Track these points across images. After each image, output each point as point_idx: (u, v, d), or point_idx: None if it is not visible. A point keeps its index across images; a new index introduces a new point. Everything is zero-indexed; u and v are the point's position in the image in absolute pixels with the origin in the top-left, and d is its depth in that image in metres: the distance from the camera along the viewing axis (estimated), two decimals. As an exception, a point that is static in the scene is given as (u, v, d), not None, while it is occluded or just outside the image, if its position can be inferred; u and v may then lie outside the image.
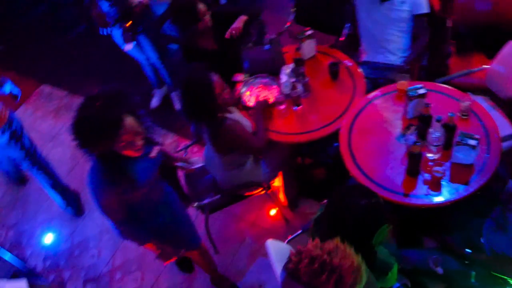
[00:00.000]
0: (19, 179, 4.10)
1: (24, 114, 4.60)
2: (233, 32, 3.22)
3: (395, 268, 2.11)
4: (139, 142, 2.09)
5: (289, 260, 1.37)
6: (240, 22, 3.24)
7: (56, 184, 3.62)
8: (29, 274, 3.26)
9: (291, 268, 1.36)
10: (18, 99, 3.35)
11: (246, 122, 2.85)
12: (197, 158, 2.61)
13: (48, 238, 3.72)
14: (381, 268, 2.04)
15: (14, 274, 3.18)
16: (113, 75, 4.75)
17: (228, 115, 2.71)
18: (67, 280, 3.46)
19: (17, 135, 3.24)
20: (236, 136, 2.70)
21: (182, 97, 2.68)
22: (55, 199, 3.72)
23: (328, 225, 2.03)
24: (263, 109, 2.98)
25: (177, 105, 4.32)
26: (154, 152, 2.30)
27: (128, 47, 3.73)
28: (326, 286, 1.32)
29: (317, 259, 1.33)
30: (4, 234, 3.80)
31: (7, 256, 3.22)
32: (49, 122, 4.50)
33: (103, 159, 2.11)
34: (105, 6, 3.61)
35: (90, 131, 1.98)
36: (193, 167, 2.60)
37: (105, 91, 2.05)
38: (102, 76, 4.79)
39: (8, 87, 3.22)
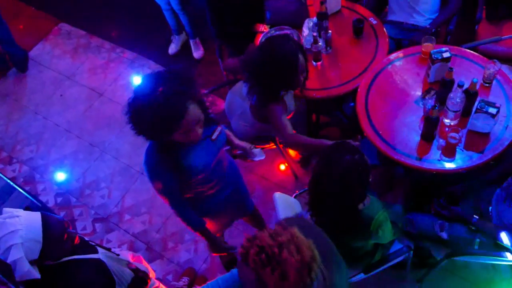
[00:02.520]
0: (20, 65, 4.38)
1: (42, 51, 4.59)
2: None
3: (388, 225, 2.13)
4: (199, 130, 1.94)
5: (242, 245, 1.36)
6: None
7: None
8: (41, 209, 3.34)
9: (241, 253, 1.35)
10: None
11: (292, 104, 2.76)
12: (259, 150, 2.44)
13: (61, 176, 3.78)
14: (369, 225, 2.07)
15: (26, 208, 3.24)
16: (133, 19, 4.69)
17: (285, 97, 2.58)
18: (77, 217, 3.54)
19: None
20: (272, 120, 2.55)
21: (258, 59, 2.45)
22: None
23: (316, 181, 2.05)
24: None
25: (196, 54, 4.27)
26: (215, 135, 2.14)
27: None
28: (270, 277, 1.31)
29: (266, 249, 1.31)
30: (17, 169, 3.87)
31: (20, 191, 3.27)
32: (67, 61, 4.48)
33: (158, 145, 1.99)
34: None
35: (150, 119, 1.79)
36: (254, 159, 2.46)
37: (167, 75, 1.86)
38: (122, 19, 4.73)
39: None
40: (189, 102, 1.84)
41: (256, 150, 2.41)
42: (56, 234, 1.94)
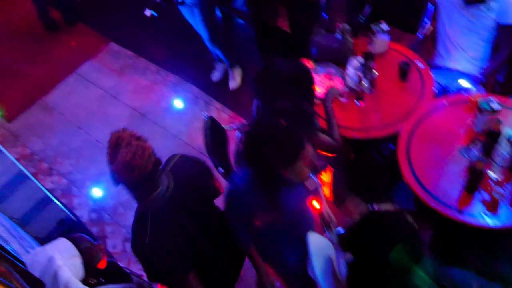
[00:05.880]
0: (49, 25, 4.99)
1: (91, 69, 4.75)
2: None
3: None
4: (308, 173, 1.93)
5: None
6: None
7: None
8: (75, 223, 3.38)
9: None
10: None
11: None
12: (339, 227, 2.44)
13: (97, 192, 3.85)
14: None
15: (60, 221, 3.30)
16: (179, 43, 4.79)
17: None
18: (108, 235, 3.58)
19: None
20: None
21: (276, 84, 2.37)
22: None
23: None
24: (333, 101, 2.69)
25: (231, 84, 4.31)
26: (312, 184, 2.12)
27: (147, 12, 3.69)
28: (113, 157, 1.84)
29: (120, 138, 1.88)
30: (56, 181, 3.97)
31: (57, 203, 3.33)
32: (113, 80, 4.61)
33: (261, 177, 1.95)
34: None
35: (266, 152, 1.80)
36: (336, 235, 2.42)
37: (291, 108, 1.90)
38: (169, 42, 4.85)
39: None
40: (306, 141, 1.82)
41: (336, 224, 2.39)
42: (87, 244, 1.96)
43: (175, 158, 2.18)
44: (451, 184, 2.53)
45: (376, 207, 2.19)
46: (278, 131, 1.78)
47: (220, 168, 2.88)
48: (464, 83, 3.07)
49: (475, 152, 2.49)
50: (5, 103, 4.46)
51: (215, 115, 4.03)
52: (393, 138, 2.84)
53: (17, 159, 3.57)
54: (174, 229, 2.00)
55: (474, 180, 2.41)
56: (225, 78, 4.39)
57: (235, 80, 4.32)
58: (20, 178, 3.07)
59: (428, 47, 3.41)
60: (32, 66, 4.82)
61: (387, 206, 2.24)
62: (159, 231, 1.95)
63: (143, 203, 1.98)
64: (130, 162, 1.78)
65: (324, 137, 2.55)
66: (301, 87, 2.38)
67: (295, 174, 1.88)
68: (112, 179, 1.89)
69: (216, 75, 4.40)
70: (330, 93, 2.65)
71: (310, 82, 2.40)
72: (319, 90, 2.99)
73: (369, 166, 3.63)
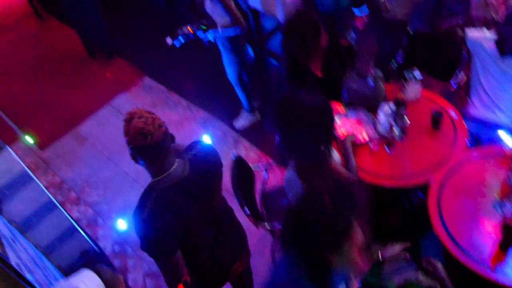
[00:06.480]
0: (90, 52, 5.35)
1: (124, 101, 4.86)
2: None
3: None
4: (356, 259, 1.78)
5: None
6: None
7: None
8: (98, 254, 3.40)
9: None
10: None
11: (337, 155, 2.75)
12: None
13: (122, 224, 3.87)
14: None
15: (84, 252, 3.32)
16: (212, 80, 4.88)
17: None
18: (130, 268, 3.57)
19: None
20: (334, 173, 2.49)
21: (296, 114, 2.34)
22: None
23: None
24: (351, 144, 2.78)
25: (238, 123, 4.37)
26: (357, 274, 2.04)
27: (168, 40, 3.77)
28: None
29: (133, 113, 2.05)
30: (83, 210, 4.01)
31: (81, 233, 3.36)
32: (145, 114, 4.70)
33: (307, 264, 1.81)
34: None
35: (314, 233, 1.69)
36: None
37: (337, 187, 1.86)
38: (201, 79, 4.95)
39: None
40: (355, 221, 1.73)
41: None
42: (110, 275, 1.96)
43: (198, 147, 2.33)
44: (483, 239, 2.44)
45: (382, 253, 2.15)
46: (324, 212, 1.69)
47: (246, 209, 2.86)
48: (500, 135, 3.01)
49: (510, 207, 2.40)
50: (39, 131, 4.61)
51: (242, 153, 4.05)
52: (423, 186, 2.78)
53: (46, 187, 3.65)
54: (173, 213, 2.10)
55: (508, 236, 2.32)
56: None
57: (244, 122, 4.36)
58: (48, 206, 3.12)
59: (461, 96, 3.38)
60: (68, 95, 4.99)
61: (394, 248, 2.19)
62: (157, 210, 2.07)
63: (154, 181, 2.13)
64: (142, 128, 1.98)
65: (342, 168, 2.55)
66: (321, 120, 2.36)
67: (342, 257, 1.75)
68: (131, 154, 2.08)
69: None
70: (349, 136, 2.80)
71: (331, 116, 2.39)
72: (344, 132, 2.98)
73: (397, 213, 3.55)
